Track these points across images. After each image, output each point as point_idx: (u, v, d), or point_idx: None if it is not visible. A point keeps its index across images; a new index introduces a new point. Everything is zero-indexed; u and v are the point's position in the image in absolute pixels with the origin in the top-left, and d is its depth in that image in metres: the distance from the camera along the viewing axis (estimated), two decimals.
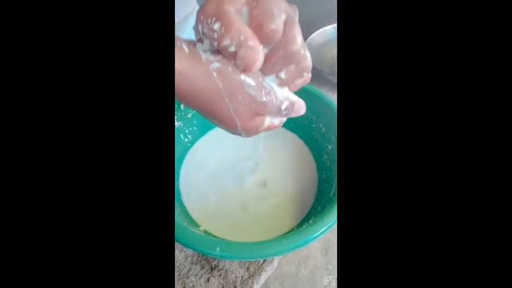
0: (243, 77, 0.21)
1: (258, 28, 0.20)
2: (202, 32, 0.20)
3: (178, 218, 0.32)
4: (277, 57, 0.21)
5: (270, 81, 0.23)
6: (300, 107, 0.26)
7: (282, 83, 0.23)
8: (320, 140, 0.41)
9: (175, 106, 0.40)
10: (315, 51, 0.60)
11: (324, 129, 0.40)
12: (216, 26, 0.19)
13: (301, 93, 0.43)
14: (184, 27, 0.49)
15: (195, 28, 0.21)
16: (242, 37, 0.19)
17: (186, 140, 0.43)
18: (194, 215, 0.37)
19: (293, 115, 0.26)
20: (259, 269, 0.33)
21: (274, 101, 0.23)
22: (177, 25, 0.49)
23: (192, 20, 0.42)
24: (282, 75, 0.23)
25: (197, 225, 0.35)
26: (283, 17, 0.21)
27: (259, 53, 0.20)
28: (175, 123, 0.41)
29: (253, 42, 0.19)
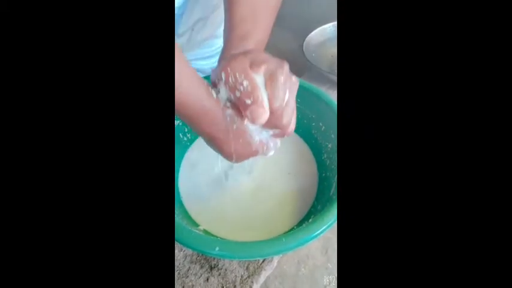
0: (248, 128, 0.28)
1: (268, 101, 0.27)
2: (228, 81, 0.26)
3: (178, 218, 0.32)
4: (272, 122, 0.28)
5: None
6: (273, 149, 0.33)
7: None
8: (320, 139, 0.41)
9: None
10: (315, 50, 0.60)
11: (323, 127, 0.40)
12: (245, 84, 0.26)
13: (301, 91, 0.43)
14: (204, 24, 0.50)
15: (215, 74, 0.27)
16: (260, 98, 0.26)
17: (185, 138, 0.43)
18: (193, 214, 0.37)
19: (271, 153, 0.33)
20: (259, 268, 0.33)
21: (264, 149, 0.31)
22: (198, 21, 0.49)
23: (213, 20, 0.50)
24: (270, 132, 0.30)
25: (196, 225, 0.35)
26: (286, 96, 0.27)
27: (266, 114, 0.26)
28: (175, 122, 0.41)
29: (265, 105, 0.26)
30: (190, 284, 0.32)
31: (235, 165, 0.41)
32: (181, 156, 0.42)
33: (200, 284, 0.32)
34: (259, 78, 0.26)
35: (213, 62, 0.56)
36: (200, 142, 0.44)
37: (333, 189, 0.34)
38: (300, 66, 0.59)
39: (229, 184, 0.39)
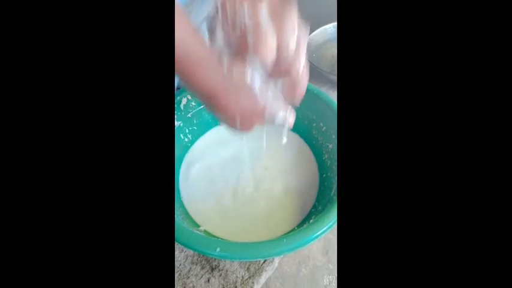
0: (251, 78, 0.23)
1: (277, 36, 0.22)
2: (224, 18, 0.22)
3: (178, 218, 0.32)
4: (279, 67, 0.23)
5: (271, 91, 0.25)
6: (290, 124, 0.28)
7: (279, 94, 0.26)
8: (321, 139, 0.41)
9: (175, 106, 0.40)
10: (315, 50, 0.60)
11: (324, 128, 0.40)
12: (246, 17, 0.21)
13: None
14: (201, 3, 0.49)
15: (212, 15, 0.23)
16: (264, 33, 0.21)
17: (186, 139, 0.43)
18: (194, 215, 0.37)
19: (287, 127, 0.28)
20: (260, 269, 0.33)
21: (272, 109, 0.26)
22: (205, 19, 0.48)
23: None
24: (279, 84, 0.25)
25: (197, 226, 0.35)
26: (295, 34, 0.23)
27: (273, 52, 0.22)
28: (175, 123, 0.41)
29: (272, 42, 0.21)
30: (191, 284, 0.32)
31: (237, 165, 0.41)
32: (182, 157, 0.42)
33: (201, 285, 0.32)
34: (262, 12, 0.22)
35: None
36: (201, 143, 0.44)
37: (334, 190, 0.34)
38: None
39: (230, 185, 0.39)
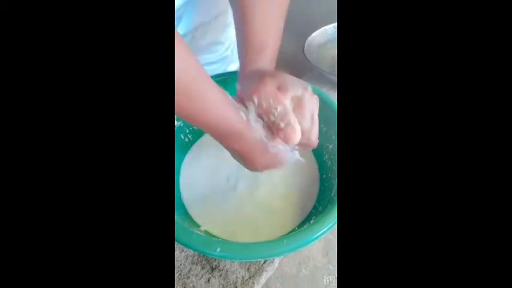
0: (275, 144, 0.30)
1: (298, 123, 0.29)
2: (261, 106, 0.28)
3: (179, 219, 0.32)
4: (301, 141, 0.29)
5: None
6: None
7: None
8: (321, 140, 0.40)
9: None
10: (316, 51, 0.60)
11: (324, 128, 0.40)
12: (279, 109, 0.28)
13: None
14: (207, 29, 0.50)
15: (247, 96, 0.29)
16: (292, 121, 0.28)
17: (187, 140, 0.43)
18: (194, 215, 0.37)
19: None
20: (260, 269, 0.33)
21: (287, 161, 0.32)
22: (199, 26, 0.49)
23: (216, 25, 0.51)
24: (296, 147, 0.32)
25: (198, 226, 0.35)
26: (311, 115, 0.30)
27: (299, 135, 0.28)
28: (176, 123, 0.41)
29: (297, 127, 0.28)
30: (191, 285, 0.32)
31: (237, 165, 0.41)
32: (183, 157, 0.42)
33: (201, 285, 0.32)
34: (288, 102, 0.29)
35: (217, 68, 0.56)
36: (201, 143, 0.44)
37: (334, 191, 0.34)
38: (301, 67, 0.59)
39: (231, 185, 0.39)
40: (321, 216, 0.29)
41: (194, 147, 0.44)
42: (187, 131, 0.43)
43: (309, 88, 0.30)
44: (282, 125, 0.28)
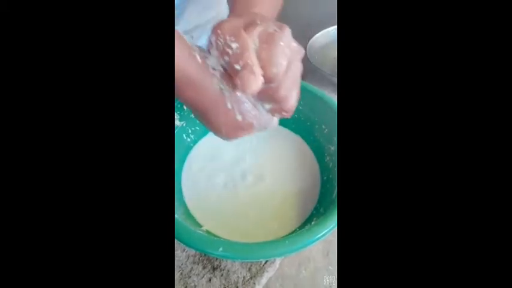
0: (239, 94, 0.25)
1: (262, 67, 0.22)
2: (216, 44, 0.23)
3: (181, 218, 0.32)
4: (267, 93, 0.25)
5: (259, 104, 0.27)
6: (276, 123, 0.30)
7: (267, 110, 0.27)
8: (322, 141, 0.41)
9: (178, 106, 0.40)
10: (318, 53, 0.60)
11: (326, 130, 0.40)
12: (234, 46, 0.22)
13: (304, 94, 0.43)
14: (203, 31, 0.50)
15: (209, 39, 0.24)
16: (250, 62, 0.22)
17: (189, 139, 0.43)
18: (196, 215, 0.37)
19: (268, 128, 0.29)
20: (261, 269, 0.33)
21: (259, 125, 0.27)
22: (196, 28, 0.49)
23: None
24: (266, 106, 0.26)
25: (199, 225, 0.35)
26: (285, 63, 0.23)
27: (258, 81, 0.22)
28: (178, 123, 0.41)
29: (257, 70, 0.22)
30: (192, 284, 0.33)
31: (239, 166, 0.41)
32: (185, 157, 0.42)
33: (203, 285, 0.33)
34: (252, 42, 0.23)
35: None
36: (204, 143, 0.44)
37: (336, 192, 0.34)
38: (303, 68, 0.59)
39: (233, 185, 0.39)
40: (322, 218, 0.29)
41: (196, 147, 0.44)
42: (190, 131, 0.43)
43: (287, 31, 0.24)
44: (237, 66, 0.22)
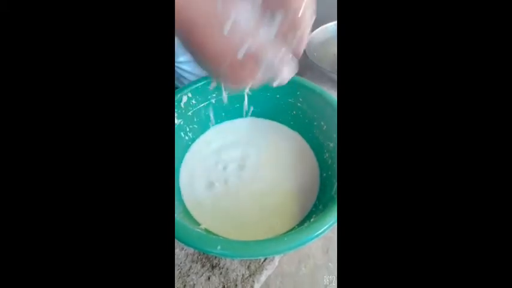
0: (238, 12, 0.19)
1: None
2: None
3: (179, 217, 0.32)
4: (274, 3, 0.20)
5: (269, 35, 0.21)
6: (288, 75, 0.24)
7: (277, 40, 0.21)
8: (321, 138, 0.41)
9: (176, 104, 0.40)
10: (317, 49, 0.59)
11: (325, 127, 0.40)
12: None
13: (303, 90, 0.43)
14: None
15: None
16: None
17: (187, 138, 0.43)
18: (195, 213, 0.37)
19: (278, 81, 0.24)
20: (260, 267, 0.33)
21: (263, 53, 0.21)
22: None
23: None
24: (277, 22, 0.21)
25: (198, 224, 0.35)
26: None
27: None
28: (176, 121, 0.41)
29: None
30: (191, 283, 0.32)
31: (238, 163, 0.41)
32: (183, 156, 0.42)
33: (201, 283, 0.32)
34: None
35: None
36: (202, 141, 0.44)
37: (335, 189, 0.34)
38: (302, 65, 0.58)
39: (231, 183, 0.39)
40: (321, 215, 0.29)
41: (194, 146, 0.43)
42: (187, 129, 0.42)
43: None
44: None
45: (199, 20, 0.19)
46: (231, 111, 0.45)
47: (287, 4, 0.20)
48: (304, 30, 0.22)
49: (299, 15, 0.20)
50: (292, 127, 0.45)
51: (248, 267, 0.33)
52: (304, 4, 0.21)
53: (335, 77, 0.53)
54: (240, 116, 0.46)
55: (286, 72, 0.23)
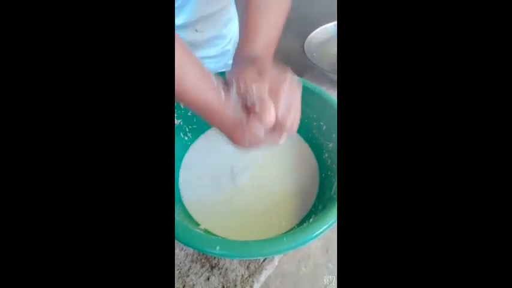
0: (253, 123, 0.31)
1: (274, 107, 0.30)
2: (239, 87, 0.30)
3: (179, 217, 0.32)
4: (275, 125, 0.31)
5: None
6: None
7: None
8: (321, 138, 0.41)
9: (176, 104, 0.40)
10: (316, 49, 0.60)
11: (324, 127, 0.40)
12: (255, 90, 0.30)
13: (303, 91, 0.43)
14: (207, 23, 0.51)
15: (228, 78, 0.32)
16: (267, 106, 0.30)
17: (186, 138, 0.43)
18: (194, 213, 0.37)
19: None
20: (260, 267, 0.33)
21: (272, 140, 0.33)
22: (199, 20, 0.49)
23: (219, 18, 0.51)
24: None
25: (197, 224, 0.35)
26: (288, 102, 0.32)
27: (273, 118, 0.30)
28: (176, 122, 0.41)
29: (273, 113, 0.30)
30: (191, 283, 0.32)
31: (237, 164, 0.41)
32: (182, 156, 0.42)
33: (201, 283, 0.32)
34: (265, 86, 0.31)
35: (217, 62, 0.56)
36: (201, 141, 0.44)
37: (334, 189, 0.34)
38: (301, 65, 0.59)
39: (230, 183, 0.39)
40: (320, 215, 0.29)
41: (194, 146, 0.44)
42: (187, 130, 0.43)
43: (289, 77, 0.32)
44: (257, 105, 0.30)
45: (228, 128, 0.32)
46: None
47: (283, 129, 0.32)
48: (294, 131, 0.33)
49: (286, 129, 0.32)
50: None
51: (247, 267, 0.33)
52: (294, 123, 0.32)
53: (334, 77, 0.53)
54: None
55: (283, 139, 0.33)
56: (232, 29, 0.55)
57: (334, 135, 0.38)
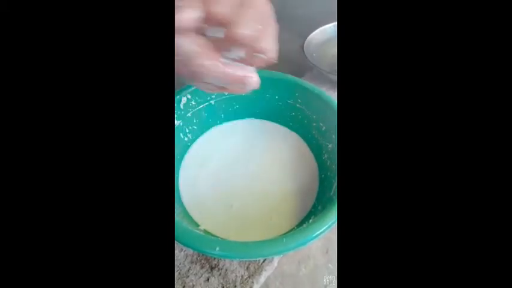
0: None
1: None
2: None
3: (178, 218, 0.32)
4: (222, 41, 0.23)
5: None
6: (247, 83, 0.26)
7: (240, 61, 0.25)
8: (320, 139, 0.41)
9: (175, 105, 0.40)
10: (315, 50, 0.60)
11: (324, 128, 0.40)
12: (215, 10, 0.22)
13: (302, 92, 0.43)
14: None
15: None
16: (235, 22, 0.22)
17: (186, 139, 0.43)
18: (194, 214, 0.37)
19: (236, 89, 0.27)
20: (259, 268, 0.33)
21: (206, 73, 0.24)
22: None
23: None
24: (233, 55, 0.24)
25: (197, 225, 0.35)
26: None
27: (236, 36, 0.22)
28: (175, 122, 0.41)
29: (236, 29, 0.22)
30: (190, 284, 0.32)
31: (237, 165, 0.41)
32: (182, 157, 0.42)
33: (201, 284, 0.32)
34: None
35: None
36: (201, 142, 0.44)
37: (334, 190, 0.34)
38: (301, 66, 0.59)
39: (230, 184, 0.39)
40: (320, 215, 0.29)
41: (194, 147, 0.44)
42: (187, 131, 0.43)
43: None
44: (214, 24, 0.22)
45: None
46: (230, 113, 0.45)
47: (234, 42, 0.23)
48: (264, 52, 0.25)
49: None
50: (291, 128, 0.45)
51: (247, 268, 0.33)
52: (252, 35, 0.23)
53: (334, 78, 0.53)
54: (239, 117, 0.46)
55: (243, 81, 0.26)
56: None
57: (334, 136, 0.38)
